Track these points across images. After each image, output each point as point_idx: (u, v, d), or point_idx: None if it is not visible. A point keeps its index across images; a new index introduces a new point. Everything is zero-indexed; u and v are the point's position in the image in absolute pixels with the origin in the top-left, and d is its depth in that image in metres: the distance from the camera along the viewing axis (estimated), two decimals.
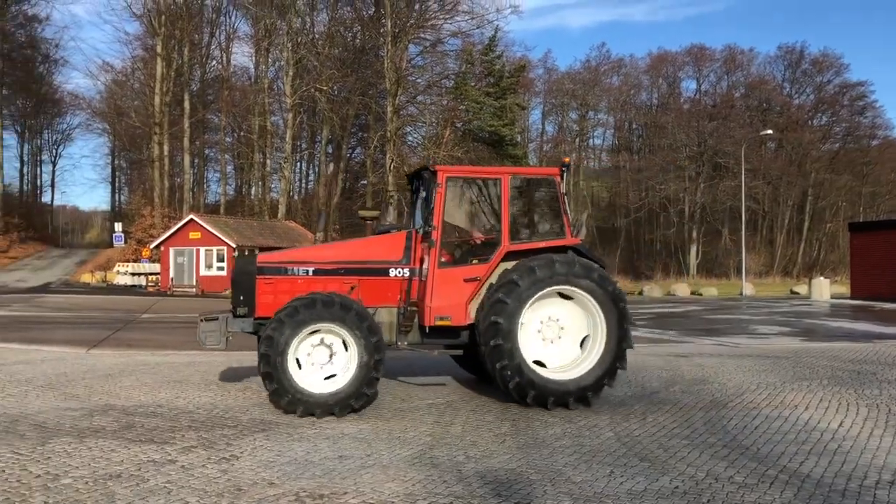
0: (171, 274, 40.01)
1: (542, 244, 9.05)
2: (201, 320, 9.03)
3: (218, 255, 39.24)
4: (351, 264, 9.19)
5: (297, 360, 8.27)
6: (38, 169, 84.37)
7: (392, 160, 46.87)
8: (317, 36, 55.18)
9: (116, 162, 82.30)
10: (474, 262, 9.10)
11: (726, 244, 70.18)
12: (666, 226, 75.42)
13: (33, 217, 75.46)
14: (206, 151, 67.19)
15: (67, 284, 44.64)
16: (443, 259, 9.08)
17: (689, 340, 17.11)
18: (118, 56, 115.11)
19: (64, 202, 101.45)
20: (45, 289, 39.70)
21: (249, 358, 12.24)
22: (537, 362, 8.75)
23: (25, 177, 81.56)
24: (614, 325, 8.72)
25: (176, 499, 5.37)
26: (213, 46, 63.36)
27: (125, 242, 51.95)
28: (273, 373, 8.06)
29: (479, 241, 9.48)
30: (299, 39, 51.47)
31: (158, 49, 51.43)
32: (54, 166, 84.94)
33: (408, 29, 48.21)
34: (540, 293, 8.59)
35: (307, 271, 9.10)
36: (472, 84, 54.20)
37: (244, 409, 8.57)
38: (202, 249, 39.60)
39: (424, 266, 8.89)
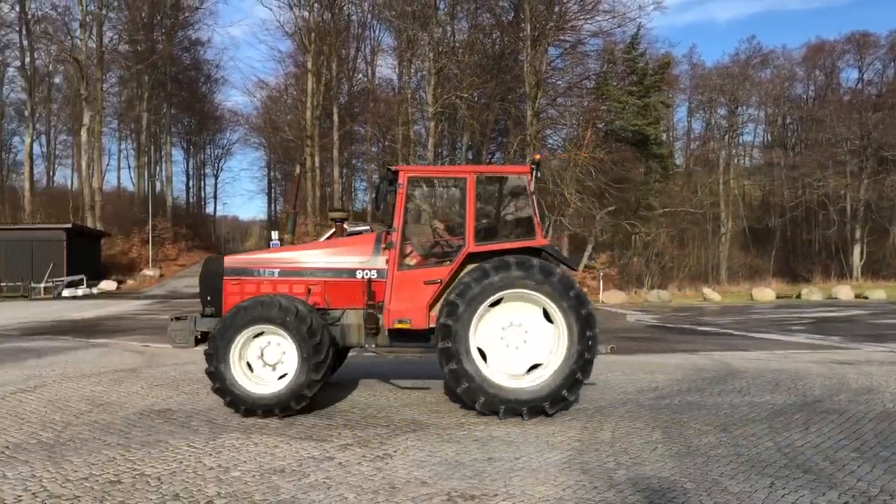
0: None
1: (507, 245, 8.65)
2: (171, 319, 9.23)
3: None
4: (318, 266, 9.12)
5: (249, 362, 8.43)
6: (202, 182, 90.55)
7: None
8: (457, 44, 56.00)
9: (272, 174, 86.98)
10: (436, 264, 8.87)
11: (895, 243, 64.96)
12: (825, 225, 70.66)
13: (198, 227, 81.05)
14: (354, 161, 69.71)
15: None
16: (413, 261, 8.98)
17: (854, 347, 15.97)
18: (272, 73, 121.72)
19: (225, 213, 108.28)
20: None
21: (397, 361, 12.65)
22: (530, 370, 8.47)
23: (191, 189, 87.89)
24: (576, 331, 8.22)
25: (335, 494, 5.63)
26: (359, 60, 65.72)
27: None
28: (215, 372, 8.26)
29: (444, 243, 9.24)
30: (440, 49, 52.42)
31: (309, 65, 53.94)
32: (216, 179, 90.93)
33: (547, 32, 47.99)
34: (494, 296, 8.24)
35: (273, 273, 9.12)
36: (614, 84, 53.17)
37: (396, 409, 8.84)
38: None
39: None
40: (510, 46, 53.78)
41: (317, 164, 57.54)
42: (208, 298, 9.20)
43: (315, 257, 9.22)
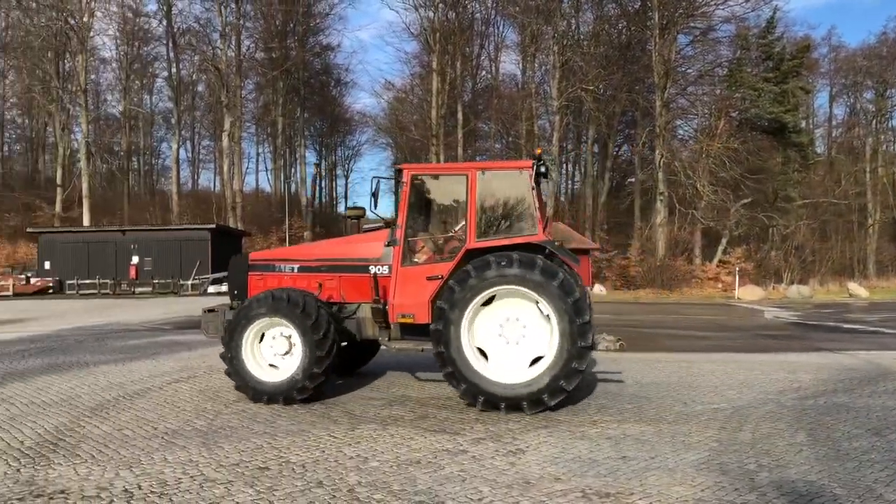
0: None
1: (505, 241, 8.61)
2: (204, 311, 9.84)
3: None
4: (333, 262, 9.48)
5: (260, 351, 8.90)
6: (334, 183, 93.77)
7: (662, 156, 45.50)
8: (582, 36, 55.30)
9: None
10: (439, 260, 9.00)
11: None
12: None
13: (330, 226, 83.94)
14: (477, 158, 70.13)
15: None
16: (423, 257, 9.17)
17: None
18: (398, 75, 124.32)
19: None
20: None
21: None
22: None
23: (323, 190, 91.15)
24: (567, 322, 8.10)
25: (470, 487, 5.73)
26: (482, 57, 66.06)
27: None
28: (229, 357, 8.82)
29: (448, 239, 9.35)
30: (565, 42, 51.91)
31: (434, 65, 54.70)
32: (347, 180, 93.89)
33: (676, 19, 46.55)
34: (481, 295, 8.27)
35: (293, 268, 9.62)
36: (749, 70, 50.95)
37: None
38: None
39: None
40: (637, 36, 52.58)
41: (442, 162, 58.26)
42: (235, 292, 9.82)
43: (331, 253, 9.66)
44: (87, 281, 39.78)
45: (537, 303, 8.35)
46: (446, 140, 58.11)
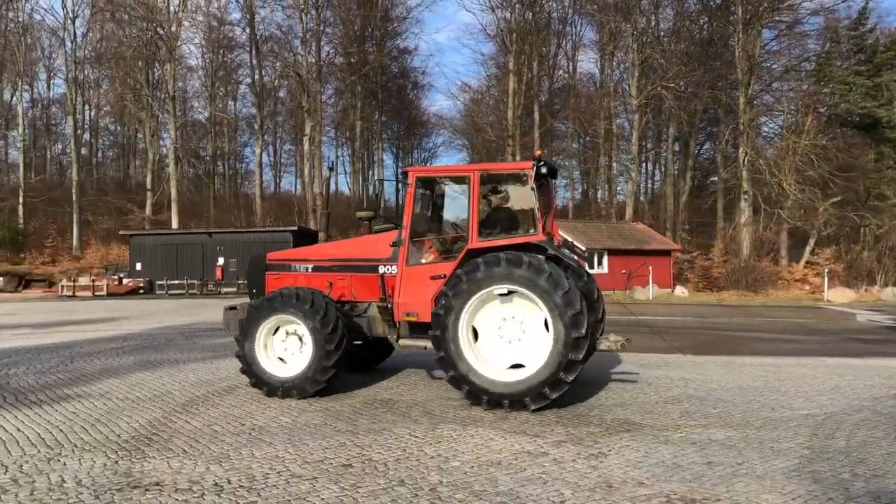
0: None
1: (506, 241, 8.80)
2: (226, 309, 10.26)
3: None
4: (345, 262, 9.84)
5: (273, 347, 9.30)
6: None
7: (746, 154, 44.15)
8: (662, 33, 54.24)
9: None
10: (442, 260, 9.21)
11: None
12: None
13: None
14: (554, 158, 69.63)
15: None
16: (430, 257, 9.40)
17: None
18: (474, 76, 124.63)
19: None
20: None
21: (614, 359, 12.53)
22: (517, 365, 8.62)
23: (400, 192, 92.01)
24: (557, 315, 8.20)
25: (552, 490, 5.70)
26: (559, 57, 65.49)
27: None
28: (242, 355, 9.21)
29: (452, 240, 9.54)
30: (644, 39, 51.04)
31: (510, 65, 54.55)
32: None
33: (761, 13, 45.10)
34: (488, 289, 8.42)
35: (307, 268, 10.05)
36: (838, 64, 49.00)
37: (607, 408, 8.77)
38: None
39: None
40: (719, 31, 51.23)
41: None
42: (254, 290, 10.26)
43: (343, 254, 10.02)
44: (176, 281, 41.24)
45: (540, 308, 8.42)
46: (522, 140, 57.88)
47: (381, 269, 9.48)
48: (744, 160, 44.33)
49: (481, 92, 70.11)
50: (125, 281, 41.86)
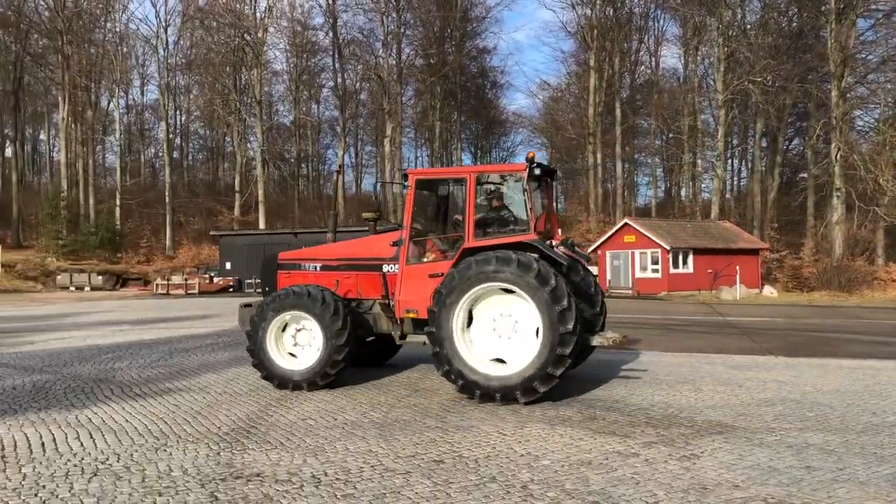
0: (608, 276, 41.61)
1: (499, 241, 9.09)
2: (241, 306, 10.58)
3: (652, 257, 39.63)
4: (351, 261, 10.24)
5: (283, 342, 9.67)
6: None
7: (838, 149, 42.44)
8: (748, 26, 52.66)
9: None
10: (441, 259, 9.57)
11: None
12: None
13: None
14: (636, 156, 68.50)
15: None
16: (432, 256, 9.77)
17: None
18: (554, 74, 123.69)
19: None
20: None
21: (689, 361, 12.30)
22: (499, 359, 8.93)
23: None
24: (545, 311, 8.46)
25: (644, 490, 5.67)
26: (641, 52, 64.46)
27: None
28: (254, 350, 9.60)
29: (450, 239, 9.80)
30: (730, 33, 49.68)
31: (591, 62, 54.04)
32: None
33: (856, 2, 43.25)
34: (479, 287, 8.74)
35: (316, 267, 10.49)
36: None
37: (698, 410, 8.63)
38: (636, 252, 40.42)
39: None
40: (810, 23, 49.49)
41: (598, 162, 57.41)
42: (267, 288, 10.66)
43: (349, 253, 10.41)
44: None
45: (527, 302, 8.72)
46: (603, 138, 57.23)
47: (385, 268, 9.90)
48: (836, 155, 42.63)
49: (561, 89, 69.69)
50: (216, 279, 43.35)
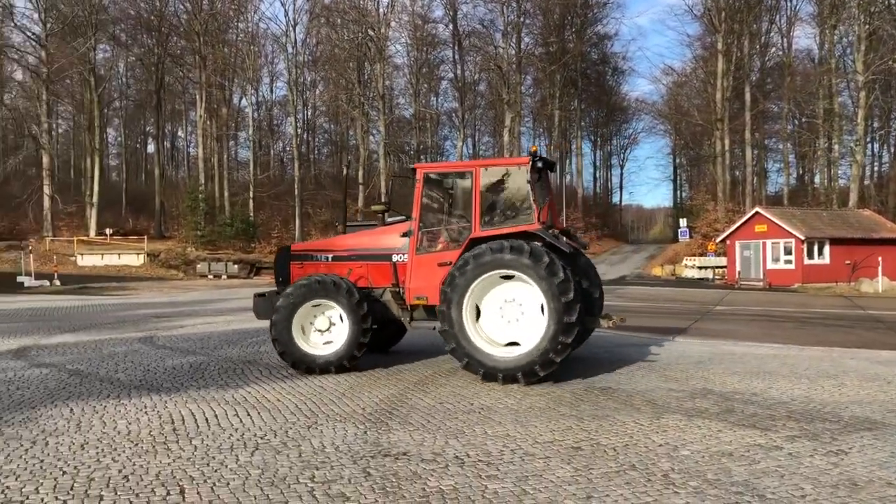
0: (738, 267, 40.14)
1: (505, 230, 9.61)
2: (255, 296, 10.93)
3: (785, 247, 37.89)
4: (362, 251, 10.73)
5: (302, 327, 10.08)
6: (608, 172, 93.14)
7: None
8: (893, 2, 49.26)
9: (678, 160, 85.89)
10: (449, 248, 10.07)
11: None
12: None
13: (607, 216, 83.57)
14: (766, 142, 65.56)
15: (640, 277, 48.36)
16: (440, 246, 10.23)
17: None
18: (679, 59, 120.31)
19: (630, 202, 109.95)
20: (621, 281, 43.70)
21: (830, 356, 11.81)
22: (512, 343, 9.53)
23: (598, 180, 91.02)
24: (552, 300, 9.02)
25: (790, 483, 5.61)
26: (772, 33, 61.55)
27: (690, 237, 54.06)
28: (279, 338, 9.98)
29: (457, 229, 10.25)
30: (871, 9, 46.64)
31: (719, 45, 52.13)
32: (622, 169, 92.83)
33: None
34: (480, 278, 9.31)
35: (327, 257, 10.91)
36: None
37: (842, 405, 8.35)
38: (769, 242, 38.78)
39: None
40: None
41: (726, 148, 55.33)
42: (280, 279, 11.02)
43: (359, 244, 10.86)
44: None
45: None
46: (731, 124, 55.10)
47: (395, 258, 10.44)
48: None
49: (686, 74, 67.62)
50: None
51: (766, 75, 61.91)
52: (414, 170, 10.43)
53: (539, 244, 9.33)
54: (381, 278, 10.64)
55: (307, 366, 10.15)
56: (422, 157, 73.35)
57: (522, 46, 59.98)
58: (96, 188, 53.25)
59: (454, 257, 9.74)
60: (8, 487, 5.43)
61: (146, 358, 11.66)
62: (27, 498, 5.21)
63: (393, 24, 60.54)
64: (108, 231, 49.60)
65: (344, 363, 10.09)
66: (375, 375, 10.16)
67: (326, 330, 10.24)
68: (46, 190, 50.19)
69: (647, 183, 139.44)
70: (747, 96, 53.90)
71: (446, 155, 77.70)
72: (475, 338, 9.45)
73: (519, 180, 9.93)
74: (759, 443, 6.73)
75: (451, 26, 61.53)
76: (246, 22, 62.57)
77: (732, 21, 52.49)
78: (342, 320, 10.07)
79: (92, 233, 51.22)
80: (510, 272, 9.32)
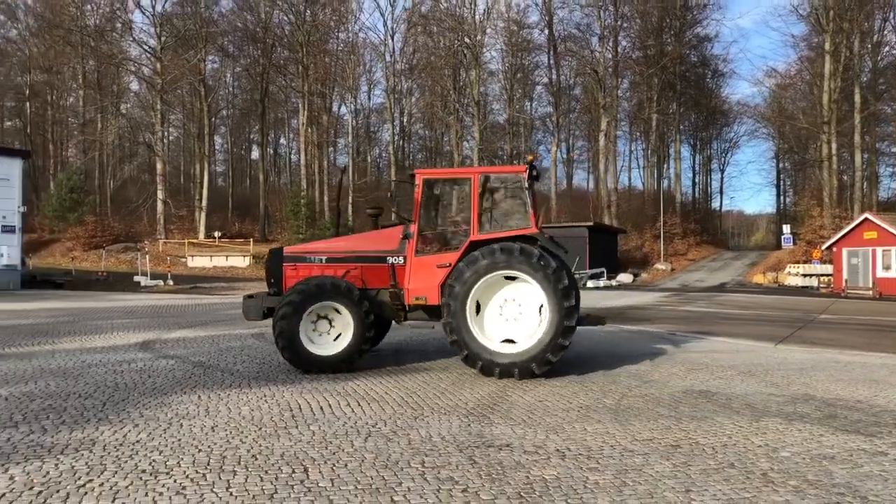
0: (845, 275, 38.60)
1: (504, 234, 10.10)
2: (245, 298, 11.09)
3: None
4: (356, 254, 10.88)
5: (310, 330, 10.25)
6: (708, 177, 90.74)
7: None
8: None
9: (781, 165, 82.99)
10: (448, 250, 10.39)
11: None
12: None
13: (706, 222, 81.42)
14: (878, 145, 62.62)
15: (741, 284, 47.09)
16: (436, 248, 10.52)
17: None
18: (782, 60, 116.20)
19: (730, 207, 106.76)
20: (721, 288, 42.73)
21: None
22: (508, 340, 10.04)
23: (697, 185, 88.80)
24: (554, 303, 9.63)
25: (893, 487, 5.63)
26: (885, 32, 58.78)
27: (794, 244, 52.23)
28: (287, 346, 10.10)
29: (456, 233, 10.64)
30: None
31: (826, 46, 50.24)
32: (722, 174, 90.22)
33: None
34: (488, 276, 9.80)
35: (321, 259, 10.94)
36: None
37: None
38: (878, 250, 37.14)
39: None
40: None
41: (833, 152, 53.19)
42: (272, 281, 11.10)
43: (354, 247, 11.07)
44: None
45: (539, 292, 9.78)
46: (839, 127, 52.93)
47: (390, 260, 10.68)
48: None
49: (790, 76, 65.35)
50: None
51: (879, 76, 59.17)
52: (413, 175, 10.79)
53: (543, 250, 9.94)
54: (376, 280, 10.82)
55: (316, 367, 10.23)
56: (514, 162, 73.62)
57: (619, 50, 59.43)
58: (205, 193, 55.93)
59: (453, 260, 10.15)
60: (154, 461, 6.06)
61: (260, 352, 12.41)
62: (171, 470, 5.81)
63: (489, 30, 61.11)
64: (216, 234, 52.06)
65: (352, 362, 10.34)
66: (474, 373, 10.48)
67: (330, 329, 10.41)
68: (160, 195, 53.10)
69: (748, 188, 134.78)
70: (857, 98, 51.72)
71: (540, 159, 77.59)
72: (476, 333, 9.92)
73: (516, 187, 10.44)
74: (863, 447, 6.73)
75: (546, 31, 61.58)
76: (346, 32, 64.43)
77: (841, 20, 50.49)
78: (345, 321, 10.26)
79: (201, 235, 53.82)
80: (516, 273, 9.87)
